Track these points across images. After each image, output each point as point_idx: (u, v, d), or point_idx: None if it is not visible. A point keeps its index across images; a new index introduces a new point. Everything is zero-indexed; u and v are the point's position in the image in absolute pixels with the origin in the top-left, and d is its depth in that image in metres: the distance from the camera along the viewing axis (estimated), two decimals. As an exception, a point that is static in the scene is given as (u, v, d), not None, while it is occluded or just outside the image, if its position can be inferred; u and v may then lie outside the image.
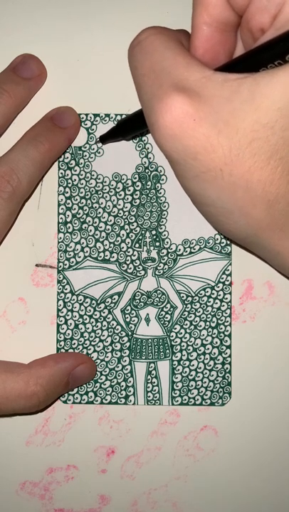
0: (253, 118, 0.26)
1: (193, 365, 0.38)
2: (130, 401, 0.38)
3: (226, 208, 0.28)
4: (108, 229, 0.38)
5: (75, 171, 0.38)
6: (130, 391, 0.38)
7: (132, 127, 0.36)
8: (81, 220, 0.38)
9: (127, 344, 0.38)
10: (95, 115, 0.38)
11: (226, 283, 0.38)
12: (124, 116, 0.38)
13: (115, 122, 0.38)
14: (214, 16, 0.28)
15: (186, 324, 0.38)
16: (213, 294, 0.38)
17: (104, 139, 0.37)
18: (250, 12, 0.27)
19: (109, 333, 0.38)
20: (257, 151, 0.26)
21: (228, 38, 0.29)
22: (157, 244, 0.38)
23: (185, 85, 0.26)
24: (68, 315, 0.38)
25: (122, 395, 0.38)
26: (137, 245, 0.38)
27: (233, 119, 0.26)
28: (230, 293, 0.38)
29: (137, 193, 0.38)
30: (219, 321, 0.38)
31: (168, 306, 0.38)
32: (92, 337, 0.38)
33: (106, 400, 0.38)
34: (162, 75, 0.27)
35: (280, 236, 0.28)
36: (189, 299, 0.38)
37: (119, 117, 0.38)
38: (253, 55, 0.27)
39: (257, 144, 0.26)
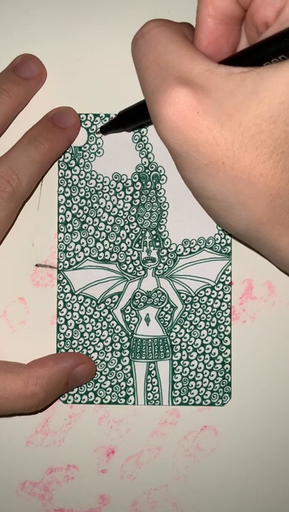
0: (256, 112, 0.26)
1: (193, 365, 0.38)
2: (130, 401, 0.38)
3: (227, 202, 0.28)
4: (108, 229, 0.38)
5: (75, 171, 0.38)
6: (130, 391, 0.38)
7: (133, 118, 0.35)
8: (81, 220, 0.38)
9: (127, 344, 0.38)
10: (95, 115, 0.38)
11: (226, 283, 0.38)
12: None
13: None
14: (219, 8, 0.28)
15: (186, 324, 0.38)
16: (213, 294, 0.38)
17: (105, 129, 0.37)
18: (255, 6, 0.27)
19: (109, 333, 0.38)
20: (259, 145, 0.26)
21: (233, 31, 0.29)
22: (157, 244, 0.38)
23: (189, 78, 0.26)
24: (68, 315, 0.38)
25: (122, 395, 0.38)
26: (137, 245, 0.38)
27: (236, 112, 0.26)
28: (230, 293, 0.38)
29: (137, 193, 0.38)
30: (219, 321, 0.38)
31: (168, 306, 0.38)
32: (92, 337, 0.38)
33: (106, 399, 0.38)
34: (166, 68, 0.27)
35: (280, 231, 0.28)
36: (189, 299, 0.38)
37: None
38: (257, 49, 0.27)
39: (259, 137, 0.26)
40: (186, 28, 0.29)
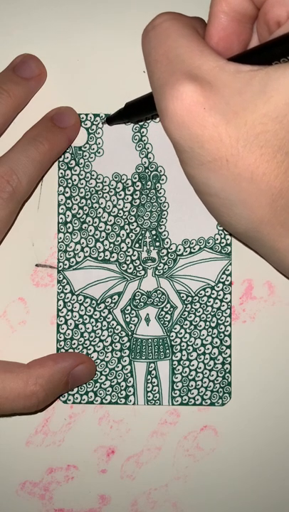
0: (262, 111, 0.26)
1: (193, 365, 0.38)
2: (130, 401, 0.38)
3: (229, 200, 0.28)
4: (108, 229, 0.38)
5: (75, 171, 0.38)
6: (130, 391, 0.38)
7: (139, 110, 0.35)
8: (81, 220, 0.38)
9: (127, 344, 0.38)
10: (95, 115, 0.38)
11: (226, 283, 0.38)
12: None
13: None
14: (233, 5, 0.28)
15: (186, 324, 0.38)
16: (213, 294, 0.38)
17: (111, 120, 0.37)
18: (268, 5, 0.27)
19: (109, 333, 0.38)
20: (264, 144, 0.26)
21: (244, 29, 0.29)
22: (157, 244, 0.38)
23: (197, 74, 0.26)
24: (68, 315, 0.38)
25: (122, 395, 0.38)
26: (137, 245, 0.38)
27: (242, 110, 0.26)
28: (230, 293, 0.38)
29: (137, 193, 0.38)
30: (219, 321, 0.38)
31: (168, 306, 0.38)
32: (92, 337, 0.38)
33: (106, 399, 0.38)
34: (176, 62, 0.27)
35: (280, 232, 0.28)
36: (189, 299, 0.38)
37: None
38: (267, 48, 0.27)
39: (264, 136, 0.26)
40: (197, 23, 0.29)
